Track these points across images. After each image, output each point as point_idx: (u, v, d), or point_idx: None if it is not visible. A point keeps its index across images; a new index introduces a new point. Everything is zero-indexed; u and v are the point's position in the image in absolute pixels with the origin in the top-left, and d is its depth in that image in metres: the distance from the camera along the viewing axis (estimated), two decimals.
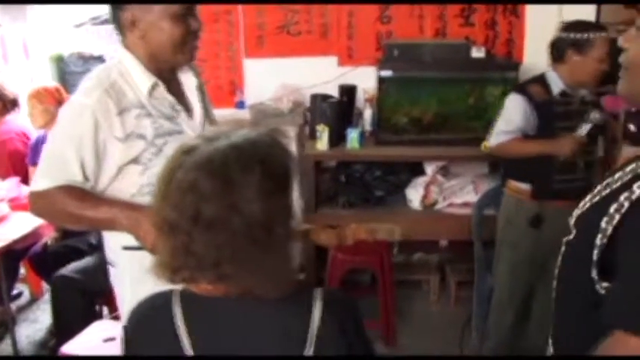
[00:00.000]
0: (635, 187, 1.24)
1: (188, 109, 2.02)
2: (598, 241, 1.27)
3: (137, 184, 1.90)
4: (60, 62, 4.68)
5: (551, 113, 2.98)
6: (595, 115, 2.88)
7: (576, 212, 1.42)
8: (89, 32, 4.68)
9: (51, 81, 4.39)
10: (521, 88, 3.09)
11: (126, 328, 1.29)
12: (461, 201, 4.11)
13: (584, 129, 2.88)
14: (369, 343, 1.31)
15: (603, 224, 1.27)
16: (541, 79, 3.05)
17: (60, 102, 3.80)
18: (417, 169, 4.23)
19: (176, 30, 1.88)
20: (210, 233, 1.09)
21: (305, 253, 4.17)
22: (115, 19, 1.92)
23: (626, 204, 1.24)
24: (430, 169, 4.16)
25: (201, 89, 2.11)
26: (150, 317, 1.26)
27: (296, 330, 1.18)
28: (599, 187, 1.39)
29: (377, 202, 4.18)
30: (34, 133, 4.04)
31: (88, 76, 1.92)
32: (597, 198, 1.37)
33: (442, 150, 4.07)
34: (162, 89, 1.95)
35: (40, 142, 3.92)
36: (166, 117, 1.93)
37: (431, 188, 4.11)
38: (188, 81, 2.08)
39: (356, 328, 1.24)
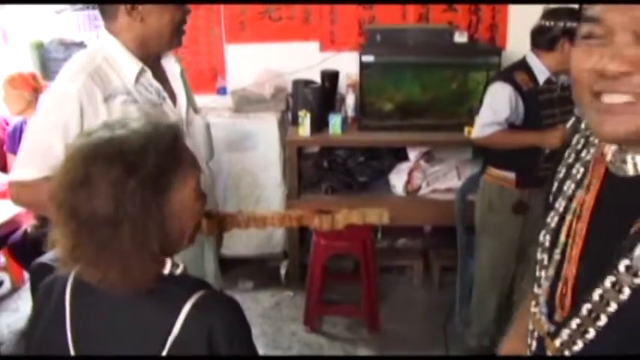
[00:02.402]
0: None
1: (172, 96, 2.00)
2: None
3: None
4: (40, 48, 4.60)
5: (536, 102, 2.94)
6: None
7: None
8: (70, 18, 4.61)
9: (27, 67, 4.31)
10: (508, 77, 2.99)
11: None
12: (444, 186, 4.11)
13: (572, 121, 2.83)
14: (250, 350, 1.24)
15: None
16: (524, 66, 2.98)
17: (35, 88, 3.74)
18: (400, 155, 4.22)
19: (177, 13, 1.90)
20: (64, 220, 1.14)
21: (289, 239, 4.17)
22: (106, 2, 1.87)
23: None
24: (413, 154, 4.16)
25: (182, 76, 2.09)
26: (51, 282, 1.29)
27: (158, 329, 1.15)
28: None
29: (360, 188, 4.17)
30: (13, 120, 3.97)
31: (71, 62, 1.87)
32: None
33: (425, 135, 4.06)
34: (149, 75, 1.92)
35: (18, 129, 3.86)
36: (152, 104, 1.90)
37: (414, 174, 4.11)
38: (171, 68, 2.06)
39: (230, 337, 1.17)
